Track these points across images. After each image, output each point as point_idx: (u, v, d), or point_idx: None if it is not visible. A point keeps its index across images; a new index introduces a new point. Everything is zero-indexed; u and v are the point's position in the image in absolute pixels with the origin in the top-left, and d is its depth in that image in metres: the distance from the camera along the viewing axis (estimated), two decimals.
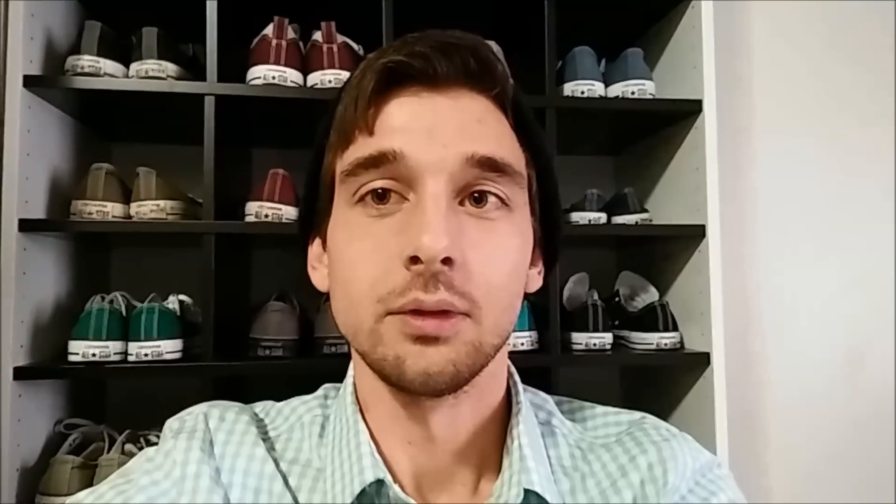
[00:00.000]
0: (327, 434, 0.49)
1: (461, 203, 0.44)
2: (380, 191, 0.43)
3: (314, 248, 0.52)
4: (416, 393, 0.42)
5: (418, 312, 0.41)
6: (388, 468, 0.45)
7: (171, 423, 0.49)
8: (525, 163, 0.48)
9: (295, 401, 0.54)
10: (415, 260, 0.40)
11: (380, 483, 0.44)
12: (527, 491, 0.44)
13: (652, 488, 0.46)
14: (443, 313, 0.41)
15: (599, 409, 0.55)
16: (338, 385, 0.53)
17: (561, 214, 0.55)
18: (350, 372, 0.51)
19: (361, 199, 0.44)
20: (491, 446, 0.48)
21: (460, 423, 0.47)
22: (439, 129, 0.43)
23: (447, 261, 0.40)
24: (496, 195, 0.44)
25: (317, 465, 0.48)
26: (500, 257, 0.44)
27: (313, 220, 0.51)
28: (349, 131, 0.45)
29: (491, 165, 0.43)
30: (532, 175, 0.49)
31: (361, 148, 0.44)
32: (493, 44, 1.18)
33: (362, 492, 0.44)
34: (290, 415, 0.52)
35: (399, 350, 0.41)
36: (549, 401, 0.55)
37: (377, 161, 0.43)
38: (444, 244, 0.39)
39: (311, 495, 0.46)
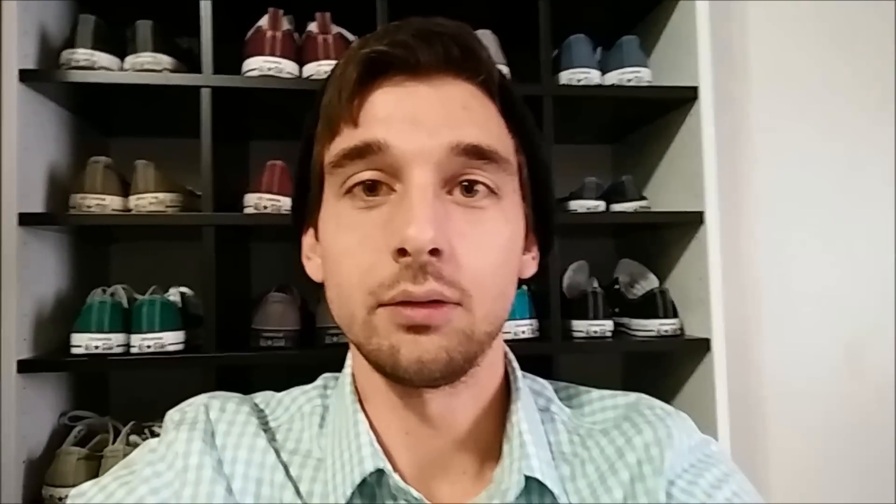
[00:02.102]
0: (327, 424, 0.50)
1: (450, 192, 0.43)
2: (368, 182, 0.43)
3: (308, 238, 0.52)
4: (410, 382, 0.42)
5: (409, 304, 0.41)
6: (389, 458, 0.46)
7: (172, 415, 0.50)
8: (514, 149, 0.47)
9: (295, 391, 0.54)
10: (402, 252, 0.40)
11: (380, 473, 0.44)
12: (527, 477, 0.45)
13: (649, 468, 0.46)
14: (433, 303, 0.41)
15: (595, 393, 0.55)
16: (337, 375, 0.54)
17: (553, 199, 0.54)
18: (348, 362, 0.51)
19: (349, 190, 0.44)
20: (491, 433, 0.49)
21: (458, 412, 0.47)
22: (423, 117, 0.43)
23: (435, 252, 0.40)
24: (484, 184, 0.44)
25: (317, 455, 0.48)
26: (489, 245, 0.44)
27: (305, 210, 0.51)
28: (334, 122, 0.45)
29: (477, 153, 0.43)
30: (522, 161, 0.49)
31: (347, 139, 0.44)
32: (487, 32, 1.18)
33: (363, 482, 0.44)
34: (291, 405, 0.52)
35: (393, 340, 0.41)
36: (547, 387, 0.55)
37: (362, 152, 0.43)
38: (430, 235, 0.39)
39: (312, 485, 0.47)
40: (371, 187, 0.43)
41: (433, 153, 0.42)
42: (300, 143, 0.51)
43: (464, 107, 0.44)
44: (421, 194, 0.41)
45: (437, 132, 0.42)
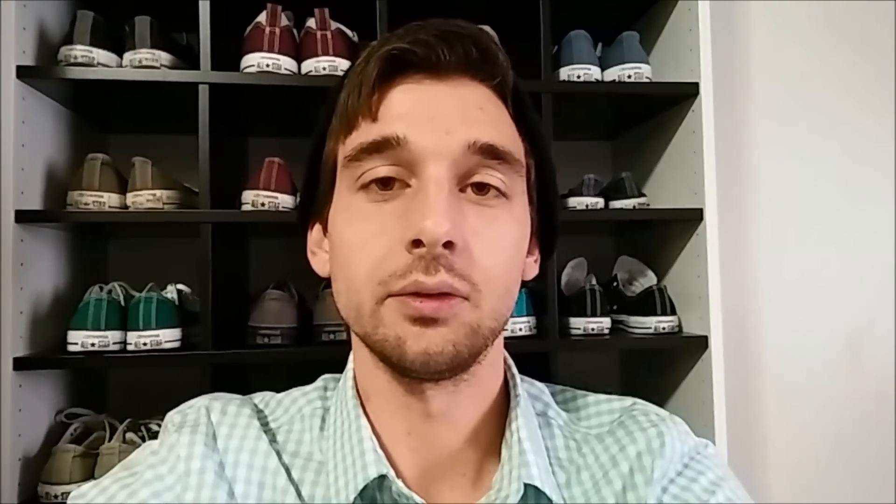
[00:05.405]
0: (328, 427, 0.50)
1: (462, 190, 0.44)
2: (383, 178, 0.44)
3: (314, 233, 0.52)
4: (416, 374, 0.43)
5: (418, 295, 0.41)
6: (390, 461, 0.46)
7: (173, 417, 0.50)
8: (524, 152, 0.48)
9: (294, 392, 0.54)
10: (417, 243, 0.41)
11: (382, 477, 0.44)
12: (526, 485, 0.45)
13: (640, 477, 0.47)
14: (443, 295, 0.41)
15: (591, 397, 0.55)
16: (337, 376, 0.54)
17: (558, 204, 0.55)
18: (350, 364, 0.51)
19: (364, 185, 0.44)
20: (491, 437, 0.49)
21: (459, 410, 0.47)
22: (442, 115, 0.44)
23: (449, 245, 0.41)
24: (496, 184, 0.45)
25: (318, 458, 0.48)
26: (499, 244, 0.44)
27: (313, 205, 0.51)
28: (352, 117, 0.45)
29: (492, 153, 0.44)
30: (530, 164, 0.49)
31: (365, 133, 0.44)
32: (486, 28, 1.17)
33: (364, 486, 0.44)
34: (291, 406, 0.52)
35: (399, 331, 0.42)
36: (544, 391, 0.55)
37: (380, 146, 0.43)
38: (446, 228, 0.40)
39: (314, 489, 0.47)
40: (385, 182, 0.44)
41: (450, 150, 0.43)
42: (312, 138, 0.51)
43: (480, 108, 0.45)
44: (437, 189, 0.42)
45: (454, 130, 0.43)
